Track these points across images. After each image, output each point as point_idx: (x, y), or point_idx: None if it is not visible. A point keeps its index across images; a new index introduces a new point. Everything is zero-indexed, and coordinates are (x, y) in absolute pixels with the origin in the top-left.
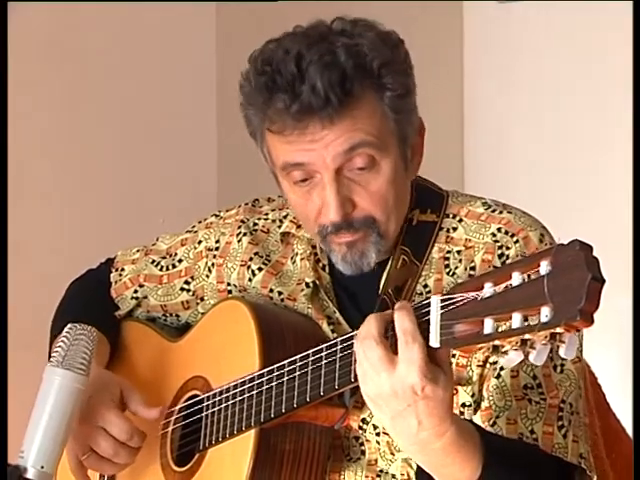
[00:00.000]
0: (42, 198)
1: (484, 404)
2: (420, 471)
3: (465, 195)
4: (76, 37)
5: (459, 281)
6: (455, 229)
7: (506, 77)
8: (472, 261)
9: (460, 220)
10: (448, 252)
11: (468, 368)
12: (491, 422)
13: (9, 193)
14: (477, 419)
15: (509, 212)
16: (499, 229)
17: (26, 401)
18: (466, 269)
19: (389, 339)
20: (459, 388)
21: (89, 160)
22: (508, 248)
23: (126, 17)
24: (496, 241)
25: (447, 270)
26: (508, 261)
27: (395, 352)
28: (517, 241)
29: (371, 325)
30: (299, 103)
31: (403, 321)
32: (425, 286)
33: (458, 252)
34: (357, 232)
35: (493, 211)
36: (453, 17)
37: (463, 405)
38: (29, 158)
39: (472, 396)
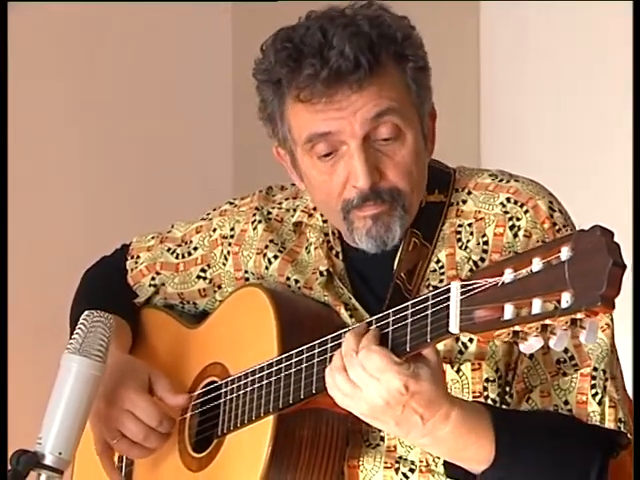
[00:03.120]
0: (57, 192)
1: (520, 386)
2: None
3: (472, 169)
4: (83, 37)
5: (472, 255)
6: (465, 202)
7: (523, 72)
8: (484, 234)
9: (469, 192)
10: (459, 226)
11: (491, 343)
12: (526, 398)
13: (24, 185)
14: (513, 400)
15: (516, 180)
16: (508, 199)
17: (27, 396)
18: (479, 243)
19: None
20: (482, 363)
21: (103, 153)
22: (519, 219)
23: (141, 16)
24: (506, 212)
25: (459, 244)
26: (520, 232)
27: None
28: (527, 211)
29: (349, 342)
30: (328, 69)
31: (347, 344)
32: (438, 261)
33: (469, 225)
34: (383, 204)
35: (500, 180)
36: (470, 17)
37: (487, 380)
38: (38, 156)
39: (496, 371)
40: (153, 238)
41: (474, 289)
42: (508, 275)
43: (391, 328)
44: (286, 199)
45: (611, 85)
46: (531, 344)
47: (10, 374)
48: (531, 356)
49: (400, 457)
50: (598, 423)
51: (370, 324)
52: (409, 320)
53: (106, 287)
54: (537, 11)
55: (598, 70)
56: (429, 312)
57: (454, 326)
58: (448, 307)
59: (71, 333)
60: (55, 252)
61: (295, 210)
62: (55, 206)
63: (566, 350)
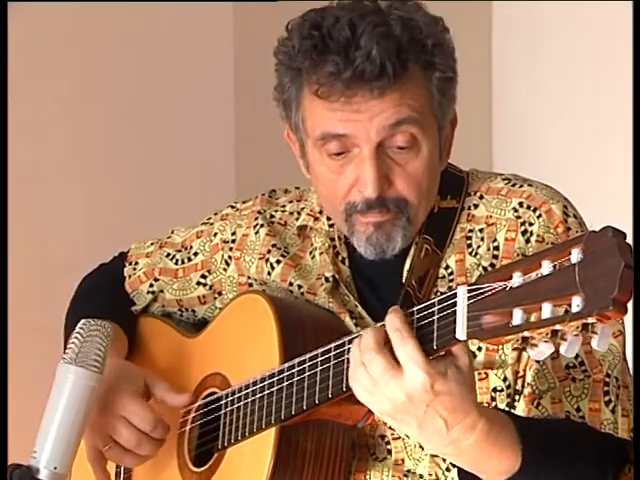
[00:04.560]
0: (56, 190)
1: (527, 390)
2: (462, 471)
3: (484, 172)
4: (84, 37)
5: (482, 261)
6: (476, 206)
7: (536, 73)
8: (495, 239)
9: (481, 197)
10: (470, 231)
11: (500, 352)
12: (535, 404)
13: (24, 188)
14: (520, 405)
15: (529, 185)
16: (520, 204)
17: (28, 403)
18: (489, 248)
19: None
20: (489, 372)
21: (104, 155)
22: (531, 224)
23: (142, 17)
24: (518, 217)
25: (469, 250)
26: (532, 237)
27: (397, 359)
28: (540, 215)
29: (368, 337)
30: (352, 70)
31: (392, 321)
32: (447, 267)
33: (480, 230)
34: (388, 213)
35: (513, 185)
36: (482, 16)
37: (494, 390)
38: (38, 157)
39: (504, 380)
40: (152, 244)
41: (481, 294)
42: (517, 279)
43: None
44: (290, 202)
45: (629, 85)
46: (541, 350)
47: (10, 381)
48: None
49: (408, 470)
50: (611, 432)
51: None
52: (415, 326)
53: (102, 294)
54: (550, 10)
55: (614, 70)
56: (435, 318)
57: (461, 332)
58: (455, 313)
59: (66, 342)
60: (56, 256)
61: (300, 213)
62: (55, 208)
63: (576, 355)
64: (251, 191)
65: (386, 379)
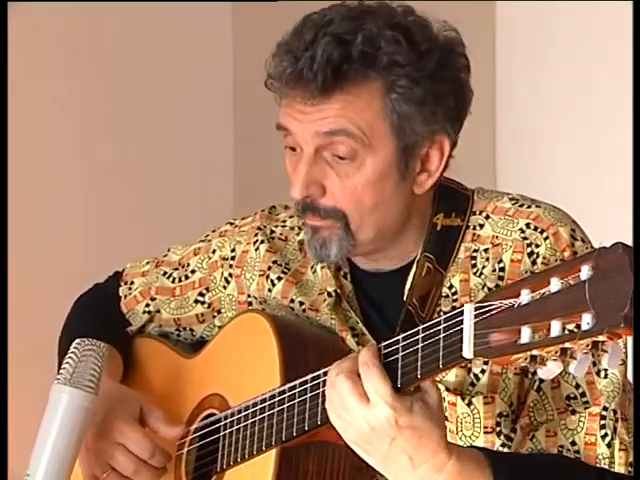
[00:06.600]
0: (52, 203)
1: (525, 421)
2: None
3: (491, 191)
4: (83, 37)
5: (487, 281)
6: (482, 226)
7: (539, 77)
8: (500, 260)
9: (487, 217)
10: (475, 251)
11: (504, 375)
12: (530, 436)
13: (24, 201)
14: (517, 436)
15: (537, 206)
16: (528, 224)
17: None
18: (495, 269)
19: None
20: (496, 397)
21: (103, 155)
22: (538, 246)
23: (141, 17)
24: (525, 238)
25: (474, 270)
26: (538, 259)
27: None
28: (547, 237)
29: (341, 363)
30: (292, 68)
31: (362, 354)
32: (450, 287)
33: (485, 250)
34: (324, 220)
35: (521, 206)
36: (485, 17)
37: (500, 415)
38: (36, 164)
39: (510, 405)
40: (148, 263)
41: (489, 311)
42: (525, 296)
43: (401, 354)
44: (290, 217)
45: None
46: (550, 369)
47: (10, 394)
48: (539, 389)
49: None
50: (606, 466)
51: (379, 349)
52: (420, 345)
53: (96, 315)
54: (554, 11)
55: (623, 72)
56: (441, 336)
57: (468, 351)
58: (461, 331)
59: (60, 362)
60: (55, 256)
61: (301, 228)
62: (55, 208)
63: (577, 386)
64: (250, 191)
65: (351, 405)
